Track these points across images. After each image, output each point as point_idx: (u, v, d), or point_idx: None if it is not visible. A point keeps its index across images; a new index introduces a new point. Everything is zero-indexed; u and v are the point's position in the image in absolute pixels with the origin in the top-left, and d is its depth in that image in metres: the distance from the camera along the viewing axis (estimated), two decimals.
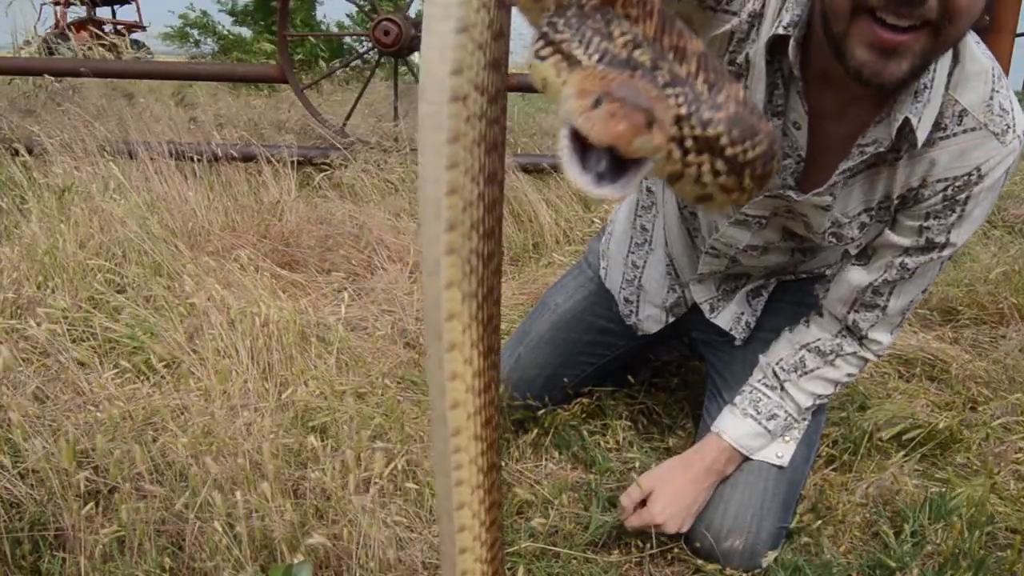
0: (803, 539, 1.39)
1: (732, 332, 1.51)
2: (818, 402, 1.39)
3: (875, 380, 2.00)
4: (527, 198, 3.09)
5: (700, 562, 1.34)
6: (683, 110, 0.50)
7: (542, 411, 1.62)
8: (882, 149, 1.14)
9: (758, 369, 1.41)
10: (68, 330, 1.85)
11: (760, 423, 1.36)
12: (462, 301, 0.53)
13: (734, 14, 1.11)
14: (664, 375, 1.90)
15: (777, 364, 1.38)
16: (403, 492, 1.40)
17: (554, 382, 1.65)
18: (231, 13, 9.45)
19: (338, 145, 3.80)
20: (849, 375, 1.38)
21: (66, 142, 3.17)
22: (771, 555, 1.30)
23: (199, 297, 1.90)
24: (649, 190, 1.57)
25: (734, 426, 1.37)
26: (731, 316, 1.52)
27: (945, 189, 1.16)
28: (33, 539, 1.23)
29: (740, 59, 1.15)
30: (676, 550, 1.36)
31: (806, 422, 1.41)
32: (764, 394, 1.38)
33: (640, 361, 1.83)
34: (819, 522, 1.42)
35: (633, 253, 1.60)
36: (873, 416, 1.71)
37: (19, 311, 1.98)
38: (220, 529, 1.16)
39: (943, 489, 1.51)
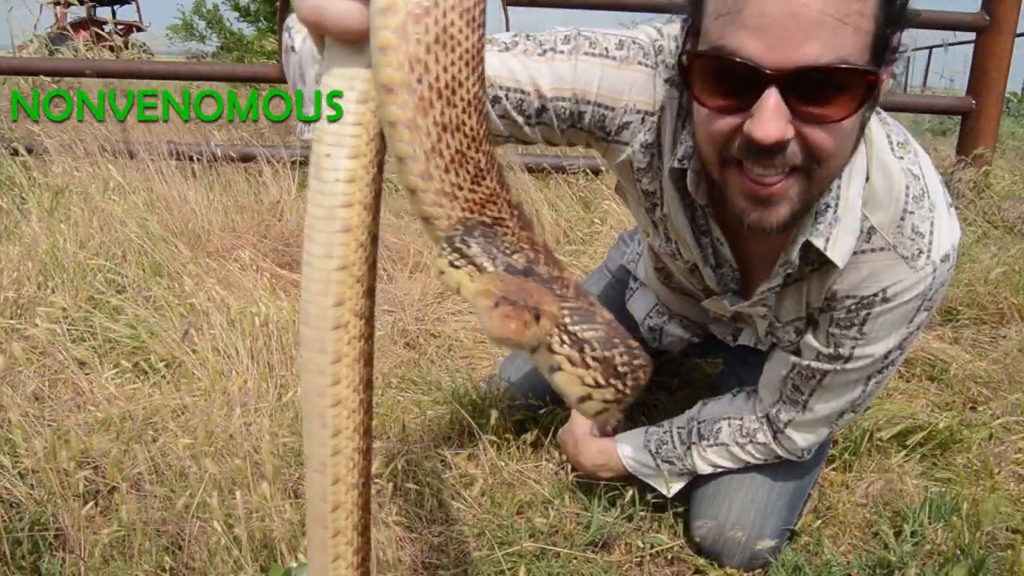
0: (803, 539, 1.39)
1: (758, 347, 1.46)
2: (715, 470, 1.39)
3: None
4: (529, 198, 3.09)
5: (700, 562, 1.34)
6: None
7: (543, 410, 1.62)
8: (791, 271, 1.13)
9: (686, 415, 1.43)
10: (68, 330, 1.85)
11: (656, 461, 1.41)
12: (346, 493, 0.64)
13: (626, 144, 1.12)
14: (664, 375, 1.90)
15: (700, 423, 1.40)
16: (403, 492, 1.40)
17: None
18: (236, 8, 9.44)
19: None
20: (753, 459, 1.38)
21: (66, 142, 3.17)
22: (768, 544, 1.30)
23: (199, 297, 1.90)
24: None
25: (633, 449, 1.43)
26: (752, 335, 1.48)
27: (850, 305, 1.15)
28: (33, 539, 1.23)
29: (651, 187, 1.16)
30: (676, 549, 1.36)
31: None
32: (673, 441, 1.40)
33: None
34: (819, 522, 1.42)
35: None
36: (873, 416, 1.71)
37: (19, 311, 1.98)
38: (220, 529, 1.16)
39: (943, 489, 1.51)
